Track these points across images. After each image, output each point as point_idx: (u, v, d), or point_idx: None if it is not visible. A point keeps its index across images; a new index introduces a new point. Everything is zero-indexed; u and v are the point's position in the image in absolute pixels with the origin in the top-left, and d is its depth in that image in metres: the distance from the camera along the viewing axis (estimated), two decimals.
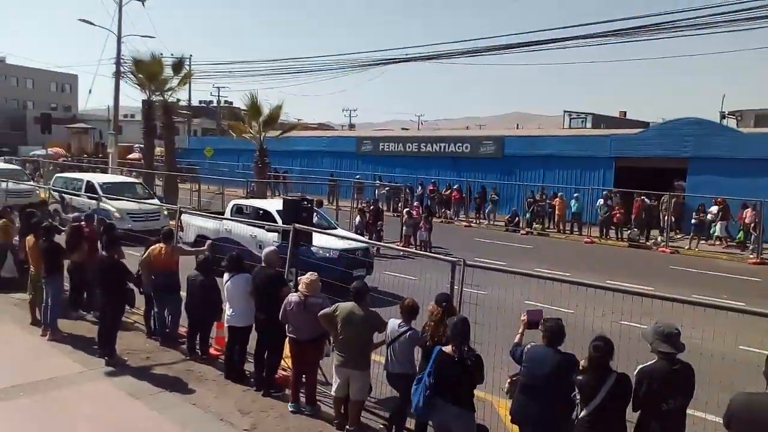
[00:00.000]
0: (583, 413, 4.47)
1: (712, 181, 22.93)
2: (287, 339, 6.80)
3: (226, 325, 7.64)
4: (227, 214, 13.97)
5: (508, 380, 5.14)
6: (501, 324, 6.02)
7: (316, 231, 8.90)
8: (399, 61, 27.42)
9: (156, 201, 19.05)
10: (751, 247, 19.36)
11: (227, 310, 7.50)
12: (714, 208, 20.91)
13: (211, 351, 8.29)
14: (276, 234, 11.56)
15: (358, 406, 6.16)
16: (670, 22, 18.52)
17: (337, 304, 6.25)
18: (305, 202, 9.23)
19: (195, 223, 13.61)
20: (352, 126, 77.22)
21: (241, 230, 12.23)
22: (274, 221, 12.26)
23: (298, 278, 6.88)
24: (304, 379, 6.70)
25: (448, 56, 27.91)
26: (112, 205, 16.11)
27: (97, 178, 19.64)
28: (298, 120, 47.25)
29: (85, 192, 16.90)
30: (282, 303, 6.62)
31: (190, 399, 6.89)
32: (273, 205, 13.80)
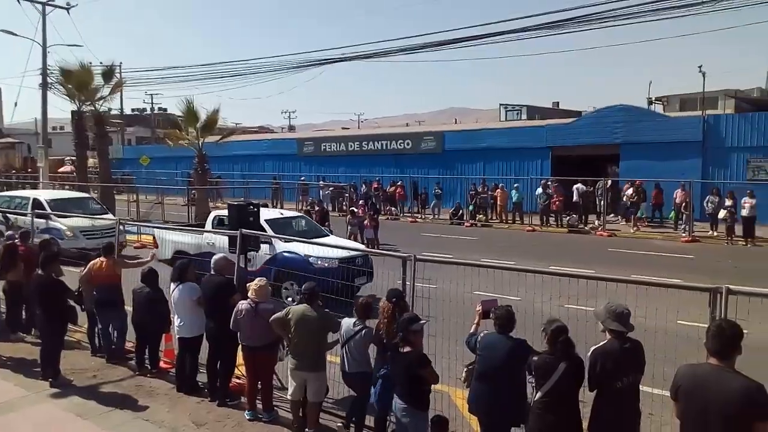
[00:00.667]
0: (538, 395, 4.58)
1: (643, 165, 23.96)
2: (240, 347, 6.70)
3: (175, 336, 7.46)
4: (208, 227, 12.92)
5: (465, 369, 5.22)
6: (454, 315, 6.11)
7: (264, 235, 8.83)
8: (337, 61, 27.33)
9: (110, 216, 17.79)
10: (682, 226, 20.29)
11: (176, 321, 7.31)
12: (629, 191, 21.84)
13: (161, 364, 8.08)
14: (267, 246, 11.02)
15: (315, 408, 6.13)
16: (598, 13, 19.13)
17: (288, 308, 6.20)
18: (251, 207, 9.10)
19: (171, 239, 12.58)
20: (292, 128, 76.61)
21: (224, 243, 10.94)
22: (264, 231, 11.38)
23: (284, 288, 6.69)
24: (259, 386, 6.62)
25: (385, 54, 28.02)
26: (62, 223, 15.23)
27: (44, 195, 18.19)
28: (237, 124, 46.49)
29: (31, 210, 15.73)
30: (232, 311, 6.53)
31: (143, 415, 6.69)
32: (264, 214, 12.51)
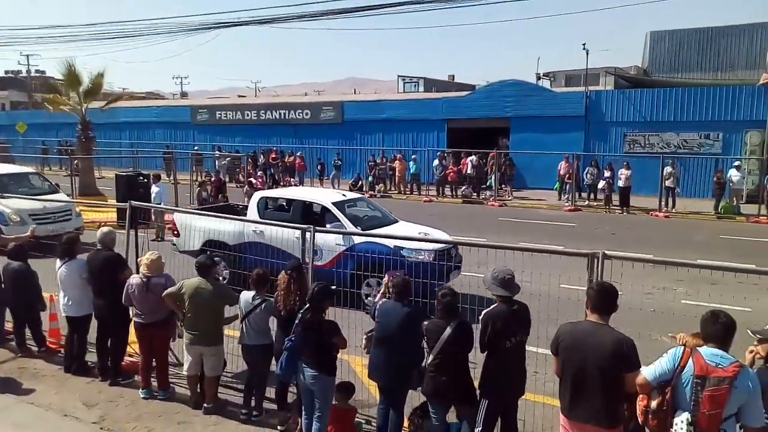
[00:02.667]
0: (430, 359, 4.81)
1: (531, 137, 25.17)
2: (132, 323, 6.48)
3: (62, 315, 7.06)
4: (252, 211, 10.68)
5: (364, 337, 5.36)
6: (272, 272, 6.22)
7: (155, 207, 8.44)
8: (232, 25, 26.33)
9: (63, 195, 15.30)
10: (566, 196, 21.61)
11: (62, 300, 6.92)
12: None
13: (48, 344, 7.64)
14: (340, 237, 9.08)
15: (214, 382, 6.07)
16: None
17: (182, 281, 6.05)
18: (141, 178, 8.71)
19: (201, 225, 9.68)
20: (184, 94, 73.20)
21: (280, 232, 8.30)
22: (333, 218, 9.86)
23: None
24: (154, 363, 6.44)
25: (284, 20, 27.33)
26: (5, 206, 12.74)
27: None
28: (124, 89, 43.76)
29: None
30: (123, 287, 6.28)
31: (27, 399, 6.33)
32: (326, 195, 10.96)
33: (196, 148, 30.53)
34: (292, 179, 27.40)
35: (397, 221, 10.95)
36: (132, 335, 6.69)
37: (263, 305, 5.73)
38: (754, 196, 19.84)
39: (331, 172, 26.44)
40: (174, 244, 10.56)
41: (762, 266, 5.04)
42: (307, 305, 5.05)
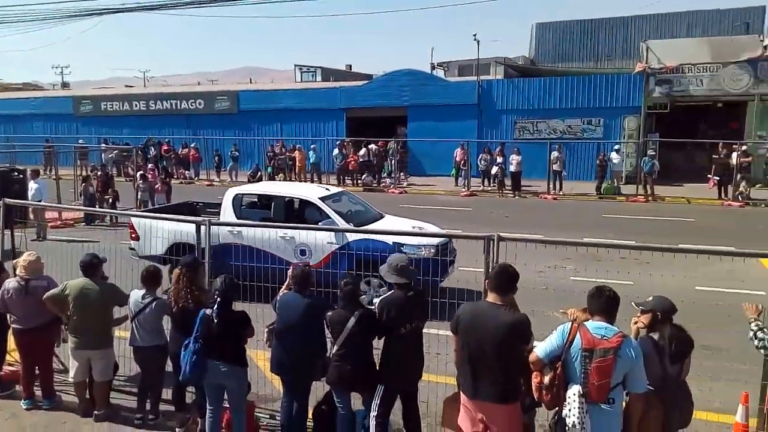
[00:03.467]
0: (335, 348, 4.79)
1: (428, 126, 25.71)
2: (10, 330, 5.97)
3: None
4: (227, 211, 9.72)
5: (266, 330, 5.23)
6: (253, 277, 6.05)
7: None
8: (116, 11, 24.84)
9: None
10: (462, 181, 22.28)
11: None
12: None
13: None
14: (331, 234, 8.60)
15: (104, 387, 5.72)
16: None
17: (66, 282, 5.65)
18: (16, 173, 8.03)
19: (165, 227, 8.61)
20: (65, 85, 68.32)
21: (261, 232, 8.27)
22: (321, 214, 9.17)
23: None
24: (37, 371, 5.98)
25: (173, 6, 26.13)
26: None
27: None
28: None
29: None
30: None
31: None
32: (310, 190, 10.35)
33: (80, 141, 28.66)
34: (186, 172, 26.42)
35: (383, 216, 10.42)
36: (11, 343, 6.17)
37: (154, 304, 5.44)
38: (632, 177, 21.37)
39: (229, 164, 25.71)
40: (132, 249, 9.52)
41: (641, 243, 5.41)
42: (216, 299, 4.85)
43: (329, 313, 4.85)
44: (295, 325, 4.94)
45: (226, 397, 5.06)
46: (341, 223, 8.86)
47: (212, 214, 10.22)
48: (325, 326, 4.91)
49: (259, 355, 6.22)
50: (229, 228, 8.50)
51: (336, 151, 24.08)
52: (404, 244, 8.17)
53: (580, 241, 5.77)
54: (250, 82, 49.88)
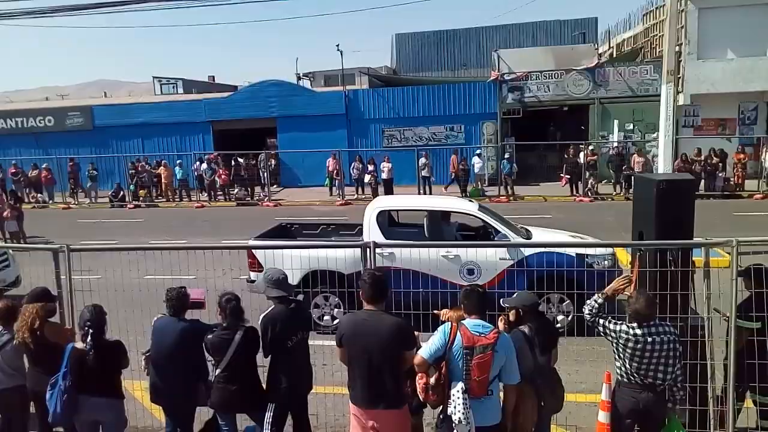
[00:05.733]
0: (218, 371, 4.67)
1: (298, 136, 25.67)
2: None
3: None
4: (372, 229, 8.41)
5: (143, 357, 4.99)
6: (124, 305, 5.74)
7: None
8: None
9: None
10: (336, 191, 22.47)
11: None
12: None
13: None
14: (503, 250, 7.69)
15: None
16: None
17: None
18: None
19: (299, 253, 7.11)
20: None
21: (419, 251, 7.25)
22: (489, 229, 8.39)
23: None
24: None
25: (8, 16, 23.97)
26: None
27: None
28: None
29: None
30: None
31: None
32: (465, 203, 9.40)
33: None
34: (39, 195, 24.35)
35: (527, 229, 9.56)
36: None
37: (13, 343, 4.99)
38: (494, 179, 22.72)
39: (87, 184, 24.03)
40: (251, 281, 8.20)
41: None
42: (88, 330, 4.54)
43: (209, 336, 4.70)
44: (170, 351, 4.75)
45: None
46: (512, 238, 8.11)
47: (308, 235, 9.58)
48: (205, 350, 4.77)
49: (135, 386, 5.92)
50: (379, 249, 7.59)
51: (204, 165, 23.32)
52: (588, 255, 7.61)
53: (454, 243, 6.07)
54: (105, 96, 46.99)
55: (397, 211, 9.71)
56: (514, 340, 4.08)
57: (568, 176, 21.13)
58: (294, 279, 6.82)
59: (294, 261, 6.38)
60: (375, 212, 8.65)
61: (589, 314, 4.42)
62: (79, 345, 4.62)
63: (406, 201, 11.08)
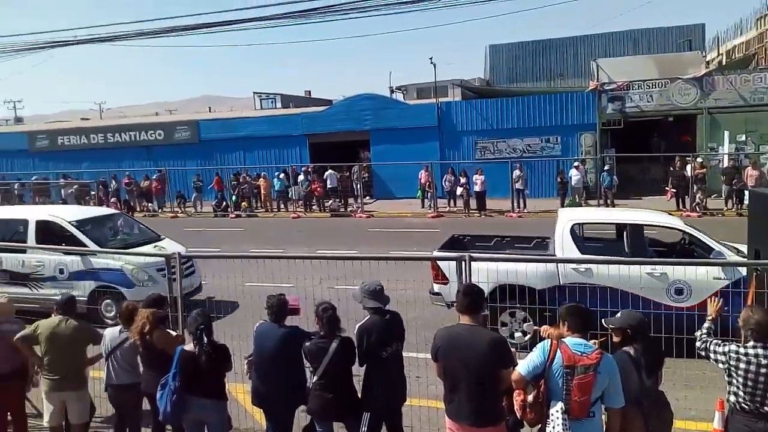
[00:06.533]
0: (315, 378, 4.78)
1: (391, 149, 25.97)
2: None
3: None
4: (565, 243, 8.02)
5: (245, 362, 5.21)
6: (230, 309, 6.04)
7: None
8: (67, 44, 24.51)
9: (172, 242, 11.22)
10: (428, 203, 22.51)
11: None
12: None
13: None
14: (718, 269, 7.12)
15: (82, 430, 5.59)
16: (340, 5, 20.03)
17: (37, 322, 5.53)
18: None
19: (487, 266, 6.71)
20: (19, 120, 66.74)
21: (619, 268, 6.89)
22: (702, 247, 7.86)
23: None
24: (9, 418, 5.80)
25: (125, 38, 25.94)
26: (125, 261, 9.56)
27: (59, 213, 10.86)
28: None
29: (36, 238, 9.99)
30: None
31: None
32: (670, 218, 9.21)
33: (35, 177, 28.00)
34: (149, 204, 26.03)
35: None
36: None
37: (132, 340, 5.37)
38: (592, 192, 21.94)
39: (192, 194, 25.45)
40: (435, 293, 7.84)
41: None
42: (199, 334, 4.82)
43: (306, 344, 4.83)
44: (271, 356, 4.92)
45: None
46: (728, 255, 7.49)
47: (482, 248, 9.19)
48: (304, 357, 4.91)
49: (238, 389, 6.18)
50: (574, 265, 7.42)
51: (301, 177, 24.09)
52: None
53: (554, 258, 5.94)
54: (210, 111, 49.58)
55: (592, 224, 9.12)
56: (618, 361, 3.89)
57: (674, 190, 20.03)
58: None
59: (481, 274, 6.00)
60: (568, 225, 8.13)
61: (699, 341, 4.17)
62: (188, 347, 4.88)
63: (600, 214, 10.45)
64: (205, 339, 4.80)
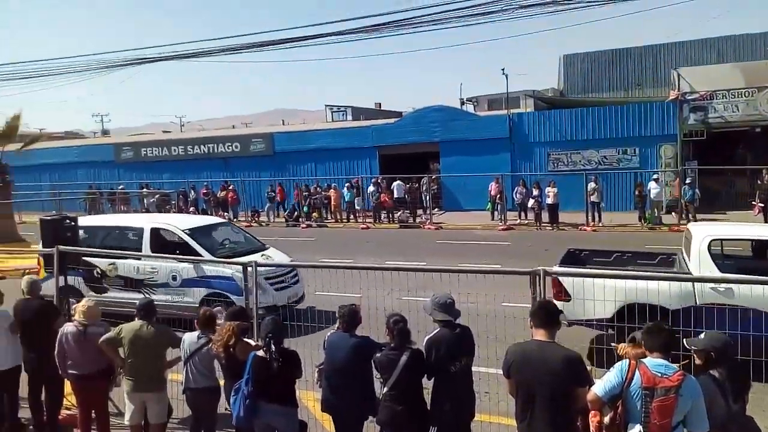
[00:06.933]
0: (385, 389, 4.78)
1: (461, 160, 25.82)
2: (67, 375, 6.13)
3: None
4: (703, 261, 7.44)
5: (316, 370, 5.28)
6: (299, 317, 6.14)
7: (84, 251, 8.07)
8: (153, 60, 25.79)
9: (277, 252, 11.66)
10: (498, 216, 22.19)
11: None
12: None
13: None
14: None
15: (160, 430, 5.82)
16: (409, 18, 20.19)
17: (121, 326, 5.81)
18: (68, 221, 8.31)
19: (614, 284, 6.47)
20: (105, 132, 70.76)
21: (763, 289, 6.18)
22: None
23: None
24: (93, 415, 6.11)
25: (206, 54, 27.04)
26: (235, 269, 9.38)
27: (173, 221, 11.23)
28: (41, 130, 41.89)
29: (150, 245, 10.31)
30: (55, 336, 5.96)
31: None
32: None
33: (121, 186, 29.55)
34: (225, 214, 26.93)
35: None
36: (68, 387, 6.34)
37: (209, 345, 5.55)
38: (672, 206, 21.01)
39: (266, 205, 26.16)
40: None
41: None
42: (269, 341, 4.93)
43: (377, 355, 4.84)
44: (342, 366, 4.96)
45: None
46: None
47: (600, 263, 8.98)
48: (374, 367, 4.93)
49: (308, 396, 6.26)
50: (712, 285, 6.94)
51: (371, 188, 24.32)
52: None
53: (635, 273, 5.71)
54: (283, 124, 50.91)
55: (733, 240, 8.55)
56: (702, 385, 3.69)
57: (762, 204, 18.88)
58: (606, 312, 6.79)
59: (608, 292, 5.72)
60: (707, 240, 7.52)
61: None
62: (261, 353, 4.99)
63: (741, 230, 9.53)
64: (273, 346, 4.89)
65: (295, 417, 5.12)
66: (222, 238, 11.39)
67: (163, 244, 10.41)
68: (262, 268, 8.93)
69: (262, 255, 10.61)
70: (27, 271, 11.09)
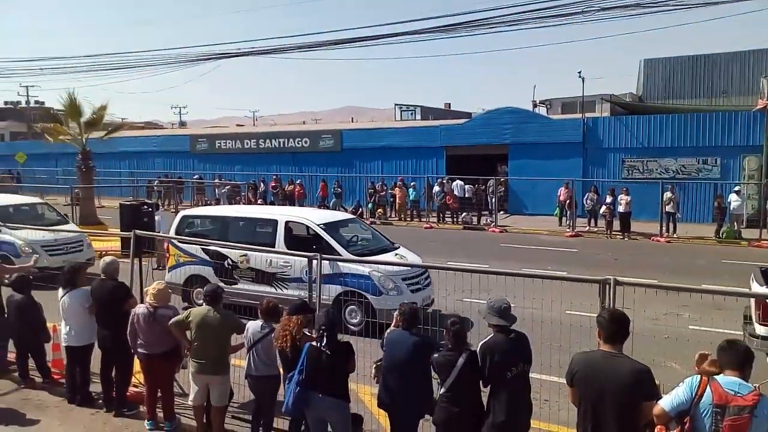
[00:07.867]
0: (442, 390, 4.74)
1: (530, 164, 25.32)
2: (137, 354, 6.41)
3: (63, 345, 7.00)
4: None
5: (374, 366, 5.30)
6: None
7: (160, 236, 8.38)
8: (233, 56, 26.59)
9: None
10: (567, 222, 21.63)
11: (63, 329, 6.88)
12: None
13: (52, 375, 7.56)
14: None
15: (221, 412, 5.99)
16: (485, 19, 19.97)
17: (189, 310, 6.02)
18: (145, 207, 8.68)
19: None
20: (182, 124, 73.63)
21: None
22: None
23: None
24: (159, 394, 6.36)
25: (282, 51, 27.65)
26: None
27: (311, 216, 11.53)
28: (123, 119, 44.00)
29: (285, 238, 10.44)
30: (127, 316, 6.24)
31: (31, 430, 6.25)
32: None
33: (196, 176, 30.63)
34: (292, 207, 27.50)
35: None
36: (136, 365, 6.63)
37: (272, 334, 5.67)
38: (754, 220, 19.90)
39: (332, 200, 26.52)
40: (757, 336, 6.70)
41: None
42: (323, 333, 4.99)
43: (435, 356, 4.80)
44: (401, 363, 4.96)
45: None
46: None
47: None
48: (432, 368, 4.89)
49: (365, 390, 6.30)
50: None
51: (436, 188, 24.23)
52: None
53: (700, 288, 5.47)
54: (352, 121, 51.49)
55: None
56: None
57: None
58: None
59: None
60: None
61: None
62: (315, 344, 5.05)
63: None
64: (325, 339, 4.94)
65: (346, 410, 5.14)
66: (351, 234, 11.21)
67: (297, 237, 10.41)
68: (391, 269, 9.38)
69: (395, 255, 10.41)
70: (105, 252, 11.69)
